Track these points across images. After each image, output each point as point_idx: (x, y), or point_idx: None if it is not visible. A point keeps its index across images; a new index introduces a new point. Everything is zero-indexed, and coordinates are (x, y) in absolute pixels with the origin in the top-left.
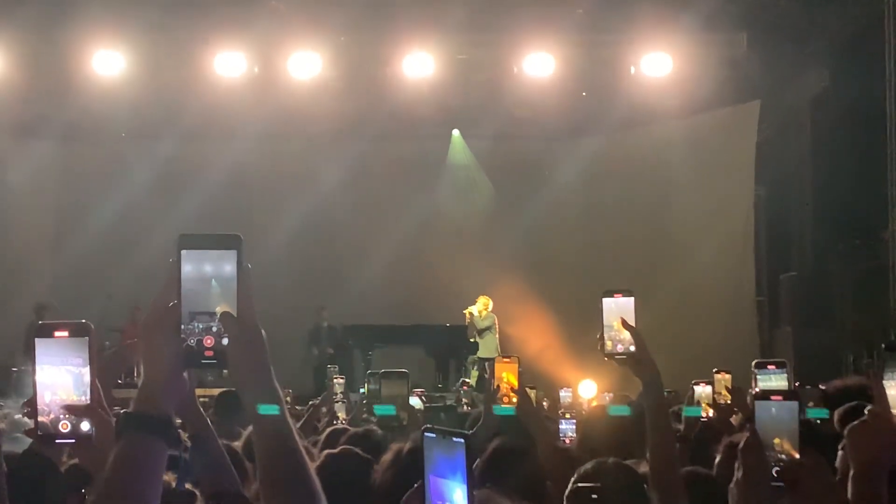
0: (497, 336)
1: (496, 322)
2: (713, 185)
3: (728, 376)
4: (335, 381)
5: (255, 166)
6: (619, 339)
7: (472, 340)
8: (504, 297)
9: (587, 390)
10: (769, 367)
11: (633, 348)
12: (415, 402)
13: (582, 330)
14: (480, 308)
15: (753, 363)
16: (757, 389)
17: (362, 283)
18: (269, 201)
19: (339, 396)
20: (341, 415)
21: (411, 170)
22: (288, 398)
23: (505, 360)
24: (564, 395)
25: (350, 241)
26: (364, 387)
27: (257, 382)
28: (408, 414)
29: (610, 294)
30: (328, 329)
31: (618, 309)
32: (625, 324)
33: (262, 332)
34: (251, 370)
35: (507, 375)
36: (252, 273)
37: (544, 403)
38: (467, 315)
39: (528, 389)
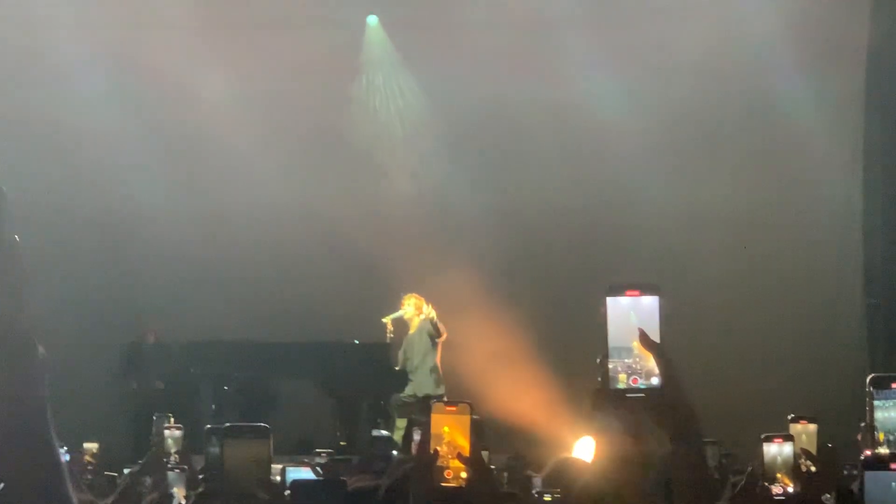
0: (439, 361)
1: (437, 337)
2: None
3: (813, 427)
4: (166, 433)
5: None
6: (636, 366)
7: (396, 369)
8: (449, 297)
9: (586, 452)
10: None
11: (656, 382)
12: (297, 473)
13: (572, 350)
14: (409, 314)
15: (869, 379)
16: (868, 452)
17: (215, 274)
18: None
19: (174, 459)
20: (178, 491)
21: (303, 76)
22: (89, 458)
23: (449, 406)
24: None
25: (193, 205)
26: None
27: None
28: (268, 494)
29: (619, 290)
30: (156, 349)
31: (634, 316)
32: (645, 341)
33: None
34: None
35: (450, 432)
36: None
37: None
38: (388, 326)
39: (484, 454)
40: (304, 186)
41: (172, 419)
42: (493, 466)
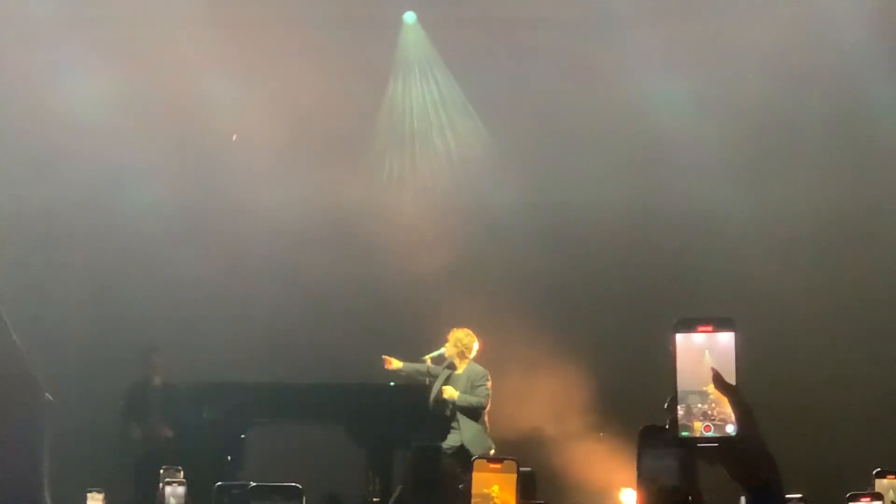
0: (486, 410)
1: (488, 382)
2: None
3: None
4: (167, 490)
5: None
6: (709, 410)
7: (436, 413)
8: (495, 334)
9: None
10: None
11: (732, 430)
12: None
13: (635, 394)
14: (456, 350)
15: None
16: None
17: (230, 306)
18: None
19: None
20: None
21: (337, 80)
22: None
23: (493, 464)
24: None
25: (206, 227)
26: None
27: None
28: None
29: (690, 326)
30: (162, 391)
31: (707, 355)
32: (719, 383)
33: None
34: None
35: (496, 492)
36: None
37: None
38: (428, 364)
39: None
40: (331, 202)
41: (182, 473)
42: None
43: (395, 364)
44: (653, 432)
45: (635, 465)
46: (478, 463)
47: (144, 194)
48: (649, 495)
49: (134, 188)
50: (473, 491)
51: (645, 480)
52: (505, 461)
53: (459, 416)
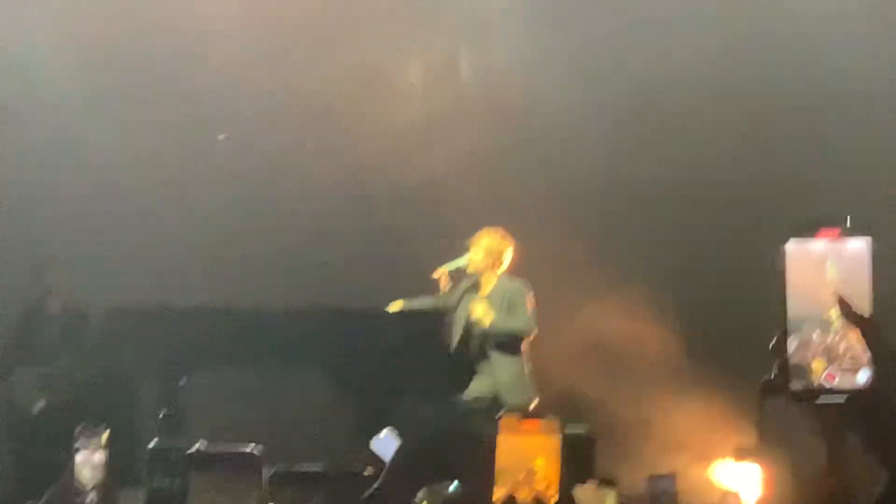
0: (529, 340)
1: (529, 301)
2: None
3: None
4: (78, 458)
5: None
6: (833, 345)
7: (451, 352)
8: (542, 252)
9: (748, 484)
10: None
11: (864, 378)
12: None
13: (726, 327)
14: (478, 263)
15: None
16: None
17: (166, 200)
18: None
19: (91, 499)
20: None
21: None
22: None
23: (526, 423)
24: None
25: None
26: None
27: None
28: None
29: (808, 231)
30: (66, 319)
31: (831, 270)
32: (848, 312)
33: None
34: None
35: (540, 467)
36: None
37: None
38: (442, 282)
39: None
40: (324, 73)
41: (105, 434)
42: None
43: (396, 306)
44: (775, 388)
45: (755, 430)
46: (506, 422)
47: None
48: (775, 469)
49: None
50: (501, 461)
51: (769, 452)
52: (545, 419)
53: (491, 352)
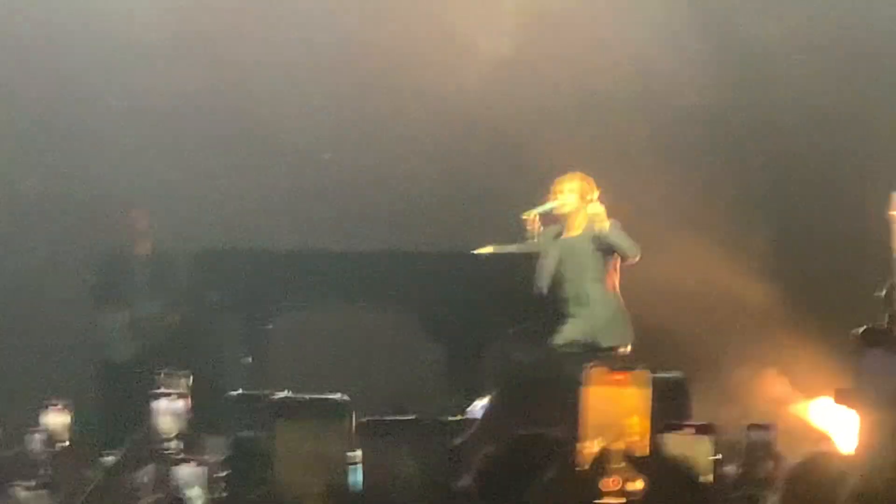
0: (616, 286)
1: (624, 254)
2: None
3: None
4: (160, 406)
5: None
6: None
7: (543, 295)
8: (639, 194)
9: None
10: None
11: None
12: None
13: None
14: (569, 205)
15: None
16: None
17: (248, 141)
18: None
19: (175, 445)
20: (194, 493)
21: None
22: (55, 435)
23: (617, 374)
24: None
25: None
26: None
27: None
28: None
29: None
30: (150, 261)
31: None
32: None
33: None
34: None
35: (636, 426)
36: None
37: None
38: (533, 224)
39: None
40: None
41: (189, 379)
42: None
43: (485, 250)
44: (876, 335)
45: (852, 377)
46: (596, 373)
47: None
48: (872, 419)
49: None
50: (590, 415)
51: (866, 401)
52: (634, 371)
53: (588, 290)
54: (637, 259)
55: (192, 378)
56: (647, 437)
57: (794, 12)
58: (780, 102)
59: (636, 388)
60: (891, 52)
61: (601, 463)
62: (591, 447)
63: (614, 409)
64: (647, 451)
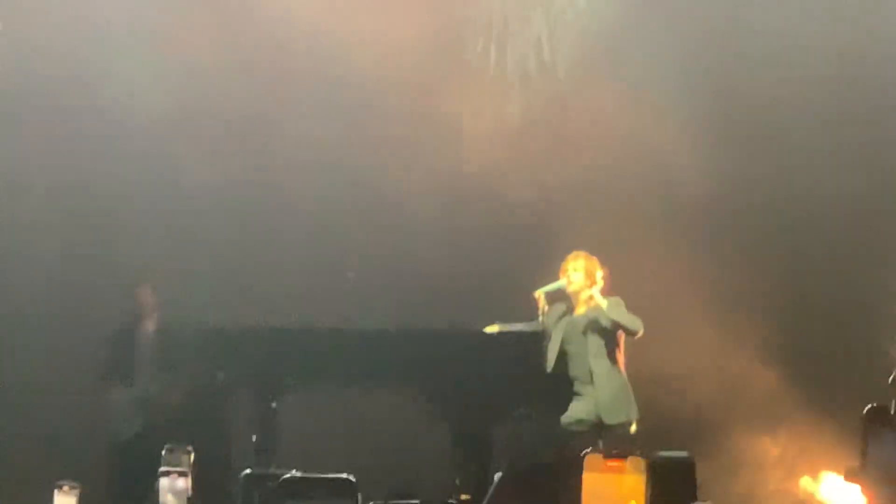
0: (622, 363)
1: (629, 331)
2: None
3: None
4: (164, 484)
5: None
6: None
7: (548, 371)
8: (646, 275)
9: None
10: None
11: None
12: None
13: (842, 357)
14: (576, 285)
15: None
16: None
17: (258, 221)
18: None
19: None
20: None
21: None
22: None
23: (611, 462)
24: None
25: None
26: None
27: None
28: None
29: None
30: (158, 338)
31: None
32: None
33: None
34: None
35: (622, 498)
36: None
37: None
38: (540, 304)
39: None
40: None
41: (192, 455)
42: None
43: (492, 328)
44: (882, 416)
45: (860, 456)
46: (591, 460)
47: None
48: (880, 493)
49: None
50: (587, 500)
51: (873, 478)
52: (629, 458)
53: (593, 367)
54: (641, 333)
55: (193, 455)
56: None
57: (800, 86)
58: (788, 183)
59: (632, 474)
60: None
61: None
62: None
63: (611, 495)
64: None
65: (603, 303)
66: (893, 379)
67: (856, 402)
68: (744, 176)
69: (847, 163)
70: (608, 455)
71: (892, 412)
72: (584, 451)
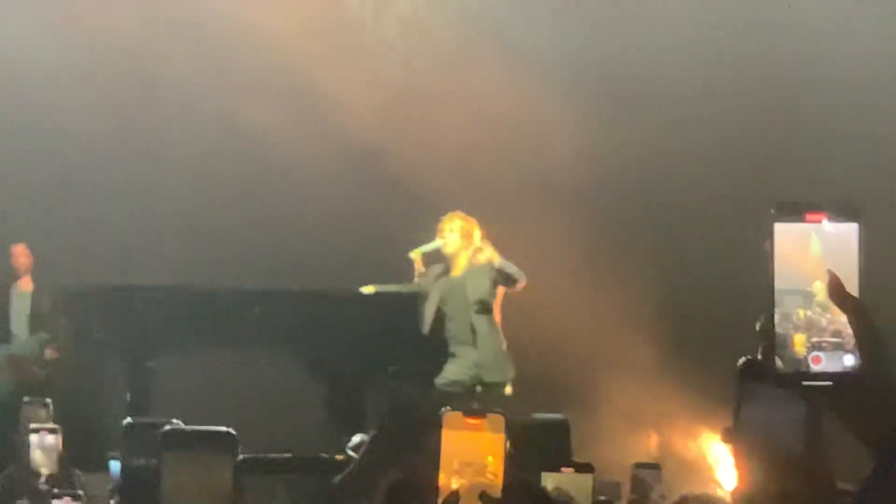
0: (498, 322)
1: (509, 283)
2: None
3: None
4: (33, 440)
5: None
6: (817, 319)
7: (425, 333)
8: (520, 227)
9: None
10: None
11: (852, 361)
12: None
13: (712, 309)
14: (453, 246)
15: None
16: None
17: (134, 176)
18: None
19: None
20: None
21: None
22: None
23: (471, 419)
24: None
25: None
26: None
27: None
28: None
29: (795, 213)
30: (32, 300)
31: (815, 242)
32: (837, 292)
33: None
34: None
35: (490, 464)
36: None
37: None
38: (417, 264)
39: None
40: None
41: (49, 407)
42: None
43: (369, 289)
44: (757, 368)
45: (732, 413)
46: (451, 417)
47: None
48: (751, 455)
49: None
50: (445, 456)
51: (745, 435)
52: (489, 415)
53: (475, 326)
54: (523, 283)
55: (52, 405)
56: (501, 478)
57: (679, 57)
58: (666, 151)
59: (490, 431)
60: (770, 93)
61: (456, 502)
62: (447, 487)
63: (470, 452)
64: (499, 493)
65: (492, 252)
66: (760, 327)
67: (733, 361)
68: (623, 141)
69: (725, 133)
70: (467, 413)
71: (761, 359)
72: (442, 409)
